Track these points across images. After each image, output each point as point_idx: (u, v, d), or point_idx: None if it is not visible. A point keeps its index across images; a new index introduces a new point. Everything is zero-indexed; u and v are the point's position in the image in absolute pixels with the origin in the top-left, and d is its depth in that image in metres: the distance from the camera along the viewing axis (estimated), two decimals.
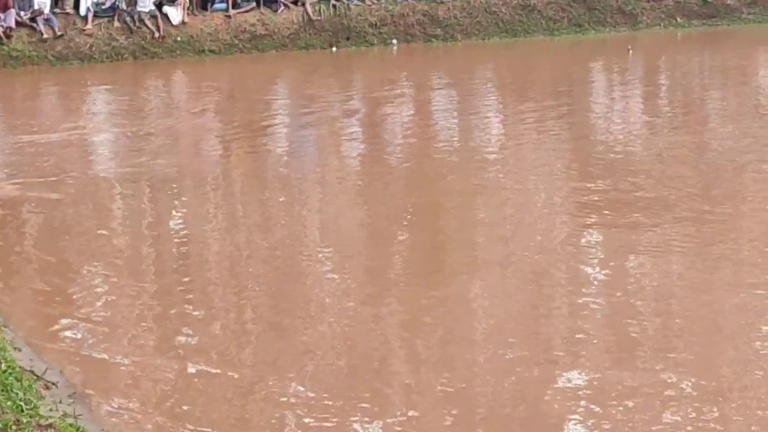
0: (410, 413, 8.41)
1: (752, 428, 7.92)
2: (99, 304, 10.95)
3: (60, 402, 8.02)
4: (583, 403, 8.46)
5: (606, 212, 13.97)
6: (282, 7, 30.17)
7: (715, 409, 8.24)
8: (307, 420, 8.21)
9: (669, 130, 19.38)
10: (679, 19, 33.26)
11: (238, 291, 11.39)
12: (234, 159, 18.25)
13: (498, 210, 14.36)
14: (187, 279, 11.66)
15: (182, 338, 9.97)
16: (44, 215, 14.17)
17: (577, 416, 8.22)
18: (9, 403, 7.06)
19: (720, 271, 11.70)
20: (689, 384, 8.67)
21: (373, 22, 30.93)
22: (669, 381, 8.71)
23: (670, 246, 12.41)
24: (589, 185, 15.41)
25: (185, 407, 8.48)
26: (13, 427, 6.57)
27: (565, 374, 8.98)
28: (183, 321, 10.42)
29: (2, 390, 7.27)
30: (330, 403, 8.51)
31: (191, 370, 9.21)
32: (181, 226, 13.93)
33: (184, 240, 13.27)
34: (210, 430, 8.10)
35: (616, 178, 15.69)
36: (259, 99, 24.18)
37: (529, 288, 11.33)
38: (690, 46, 31.17)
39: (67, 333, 10.11)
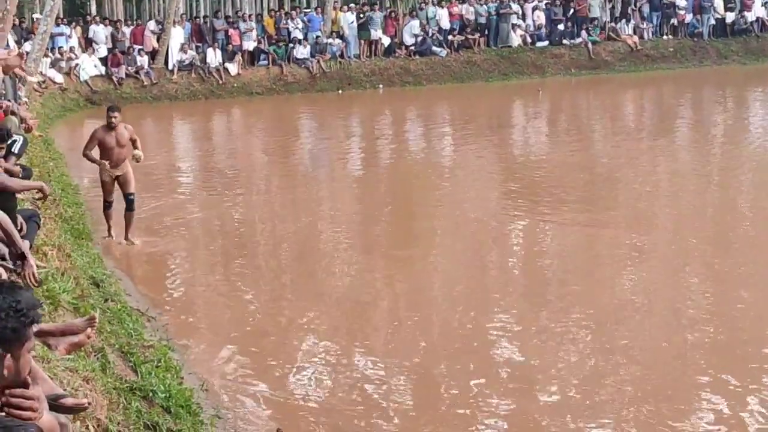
0: (389, 330, 8.52)
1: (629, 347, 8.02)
2: (185, 267, 11.02)
3: (157, 330, 8.11)
4: (508, 323, 8.55)
5: (522, 200, 14.06)
6: (304, 63, 30.19)
7: (598, 331, 8.33)
8: (315, 340, 8.31)
9: (567, 147, 19.43)
10: (573, 70, 33.28)
11: (278, 247, 11.50)
12: (273, 164, 18.32)
13: (450, 200, 14.43)
14: (244, 246, 11.71)
15: (241, 281, 10.04)
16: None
17: (502, 335, 8.30)
18: (122, 331, 7.13)
19: (600, 239, 11.80)
20: (580, 312, 8.78)
21: (366, 73, 30.97)
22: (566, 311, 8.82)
23: (567, 221, 12.50)
24: (511, 183, 15.52)
25: (239, 334, 8.56)
26: (126, 347, 6.65)
27: (496, 307, 9.07)
28: (242, 270, 10.49)
29: (118, 322, 7.35)
30: (336, 327, 8.62)
31: (247, 302, 9.29)
32: (241, 213, 13.99)
33: (243, 223, 13.32)
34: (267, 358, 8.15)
35: (530, 179, 15.77)
36: (291, 125, 24.24)
37: (472, 249, 11.43)
38: (580, 89, 31.19)
39: (162, 286, 10.20)
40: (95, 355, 5.76)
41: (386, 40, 31.90)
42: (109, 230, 11.78)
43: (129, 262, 11.18)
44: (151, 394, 5.80)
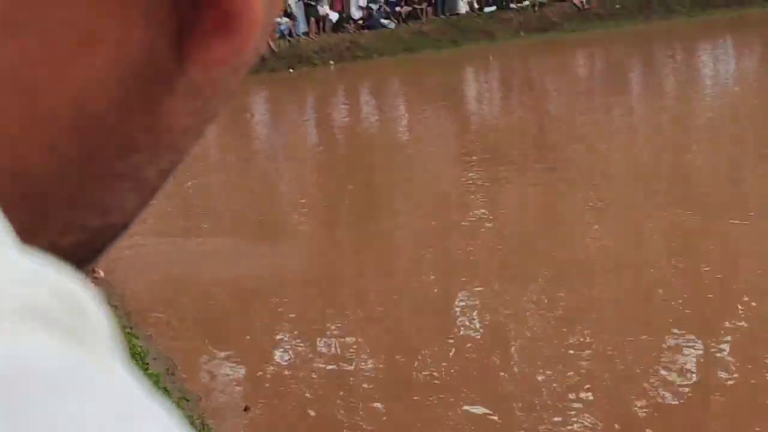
0: (359, 300, 8.55)
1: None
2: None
3: None
4: (476, 288, 8.64)
5: (482, 164, 14.14)
6: None
7: (564, 289, 8.45)
8: (282, 312, 8.30)
9: (518, 107, 19.54)
10: (522, 33, 33.39)
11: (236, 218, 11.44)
12: (230, 146, 18.22)
13: (410, 171, 14.48)
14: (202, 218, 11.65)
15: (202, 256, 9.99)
16: None
17: (471, 299, 8.39)
18: None
19: (561, 197, 11.92)
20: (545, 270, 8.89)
21: (316, 49, 30.83)
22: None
23: (528, 182, 12.59)
24: (469, 147, 15.59)
25: None
26: None
27: (463, 270, 9.15)
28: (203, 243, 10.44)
29: None
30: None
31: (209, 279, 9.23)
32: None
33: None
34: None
35: (487, 142, 15.85)
36: (244, 106, 24.08)
37: (436, 217, 11.49)
38: (529, 52, 31.27)
39: None
40: None
41: (334, 16, 31.78)
42: None
43: None
44: None
